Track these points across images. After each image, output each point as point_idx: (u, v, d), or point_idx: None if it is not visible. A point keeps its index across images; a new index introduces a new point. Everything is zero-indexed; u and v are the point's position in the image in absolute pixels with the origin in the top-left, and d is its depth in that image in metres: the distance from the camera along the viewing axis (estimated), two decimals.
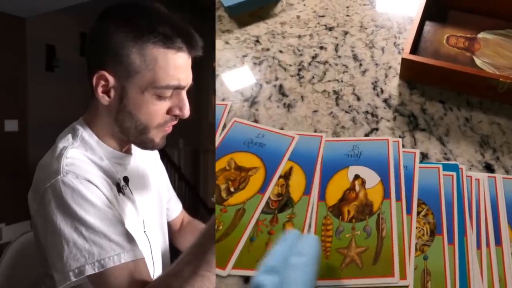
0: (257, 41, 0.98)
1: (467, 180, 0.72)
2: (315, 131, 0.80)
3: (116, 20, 0.65)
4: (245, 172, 0.74)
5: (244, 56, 0.95)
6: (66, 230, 0.59)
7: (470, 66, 0.87)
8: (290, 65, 0.93)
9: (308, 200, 0.71)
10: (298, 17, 1.02)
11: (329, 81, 0.89)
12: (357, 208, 0.69)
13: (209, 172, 4.86)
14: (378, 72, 0.90)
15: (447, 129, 0.80)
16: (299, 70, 0.92)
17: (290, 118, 0.83)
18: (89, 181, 0.63)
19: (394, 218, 0.67)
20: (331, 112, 0.84)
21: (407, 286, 0.61)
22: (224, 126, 0.82)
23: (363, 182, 0.72)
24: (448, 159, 0.75)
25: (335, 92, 0.87)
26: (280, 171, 0.74)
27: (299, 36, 0.98)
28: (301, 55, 0.94)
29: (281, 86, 0.89)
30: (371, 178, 0.73)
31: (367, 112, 0.83)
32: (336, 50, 0.95)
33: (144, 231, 0.75)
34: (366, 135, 0.80)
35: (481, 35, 0.93)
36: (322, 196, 0.71)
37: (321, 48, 0.95)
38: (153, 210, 0.82)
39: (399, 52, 0.92)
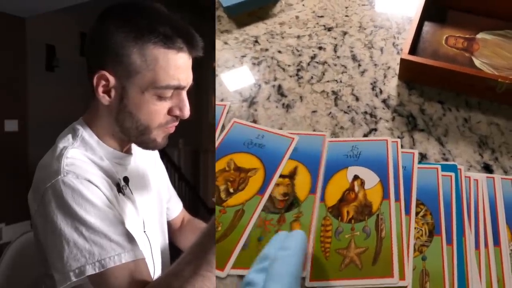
0: (256, 41, 0.98)
1: (466, 181, 0.72)
2: (314, 132, 0.81)
3: (116, 20, 0.65)
4: (245, 173, 0.75)
5: (243, 56, 0.95)
6: (67, 230, 0.59)
7: (469, 66, 0.87)
8: (289, 66, 0.93)
9: (314, 199, 0.71)
10: (297, 17, 1.02)
11: (328, 81, 0.89)
12: (356, 209, 0.69)
13: (209, 172, 4.86)
14: (377, 73, 0.90)
15: (446, 130, 0.80)
16: (298, 70, 0.92)
17: (289, 119, 0.83)
18: (89, 181, 0.63)
19: (394, 218, 0.68)
20: (330, 113, 0.84)
21: (406, 286, 0.61)
22: (223, 126, 0.82)
23: (362, 183, 0.73)
24: (446, 160, 0.75)
25: (334, 92, 0.87)
26: (279, 172, 0.74)
27: (298, 37, 0.98)
28: (300, 55, 0.95)
29: (280, 87, 0.89)
30: (370, 179, 0.73)
31: (366, 112, 0.83)
32: (335, 51, 0.95)
33: (144, 231, 0.75)
34: (365, 135, 0.80)
35: (480, 35, 0.93)
36: (321, 196, 0.71)
37: (320, 48, 0.96)
38: (153, 210, 0.82)
39: (398, 53, 0.93)
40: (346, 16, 1.02)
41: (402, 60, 0.83)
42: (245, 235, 0.67)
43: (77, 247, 0.58)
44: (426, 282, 0.61)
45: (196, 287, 0.55)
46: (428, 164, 0.74)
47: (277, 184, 0.73)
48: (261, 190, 0.72)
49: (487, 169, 0.74)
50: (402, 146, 0.77)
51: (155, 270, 0.76)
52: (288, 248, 0.52)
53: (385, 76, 0.89)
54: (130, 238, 0.62)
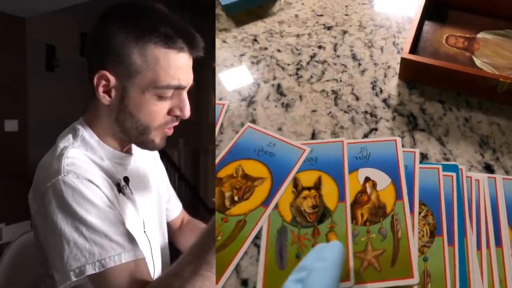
0: (255, 40, 0.98)
1: (467, 181, 0.72)
2: (314, 131, 0.80)
3: (117, 20, 0.65)
4: (251, 181, 0.73)
5: (242, 55, 0.95)
6: (67, 230, 0.59)
7: (470, 66, 0.87)
8: (288, 65, 0.93)
9: (344, 207, 0.69)
10: (296, 16, 1.02)
11: (327, 80, 0.89)
12: (370, 211, 0.69)
13: (209, 172, 4.86)
14: (377, 72, 0.90)
15: (447, 129, 0.80)
16: (298, 69, 0.92)
17: (288, 118, 0.83)
18: (89, 181, 0.63)
19: (408, 218, 0.67)
20: (330, 112, 0.84)
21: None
22: (222, 125, 0.82)
23: (374, 184, 0.72)
24: (447, 160, 0.75)
25: (333, 91, 0.87)
26: (286, 185, 0.73)
27: (298, 35, 0.98)
28: (299, 54, 0.94)
29: (279, 86, 0.89)
30: (382, 180, 0.72)
31: (366, 112, 0.83)
32: (335, 50, 0.95)
33: (144, 231, 0.75)
34: (365, 135, 0.80)
35: (480, 35, 0.93)
36: None
37: (320, 47, 0.95)
38: (153, 210, 0.82)
39: (398, 52, 0.93)
40: (346, 15, 1.01)
41: (402, 59, 0.83)
42: (244, 247, 0.66)
43: (77, 246, 0.58)
44: (428, 283, 0.61)
45: (196, 287, 0.55)
46: (429, 164, 0.74)
47: (303, 197, 0.71)
48: (266, 202, 0.71)
49: (488, 169, 0.74)
50: (402, 146, 0.77)
51: (155, 270, 0.76)
52: (325, 259, 0.52)
53: (385, 76, 0.89)
54: (130, 238, 0.62)
